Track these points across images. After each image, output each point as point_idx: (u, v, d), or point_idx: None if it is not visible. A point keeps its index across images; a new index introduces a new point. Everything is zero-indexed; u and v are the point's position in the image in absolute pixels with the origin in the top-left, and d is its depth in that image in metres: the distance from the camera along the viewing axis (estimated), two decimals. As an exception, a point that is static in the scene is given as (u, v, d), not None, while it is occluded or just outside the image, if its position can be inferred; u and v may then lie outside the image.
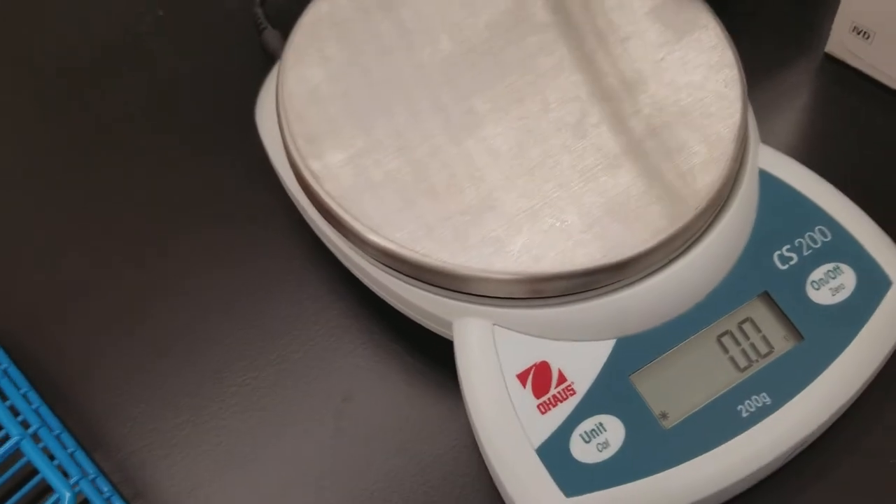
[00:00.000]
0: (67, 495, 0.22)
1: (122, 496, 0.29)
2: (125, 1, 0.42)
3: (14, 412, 0.28)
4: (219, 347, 0.32)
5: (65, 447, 0.28)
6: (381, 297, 0.30)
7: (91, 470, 0.28)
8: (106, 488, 0.28)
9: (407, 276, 0.29)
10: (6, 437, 0.26)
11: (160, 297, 0.34)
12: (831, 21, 0.37)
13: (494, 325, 0.28)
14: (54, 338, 0.33)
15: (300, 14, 0.33)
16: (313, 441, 0.30)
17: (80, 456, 0.29)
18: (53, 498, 0.22)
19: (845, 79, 0.37)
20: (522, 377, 0.27)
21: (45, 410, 0.30)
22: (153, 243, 0.35)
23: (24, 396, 0.29)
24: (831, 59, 0.38)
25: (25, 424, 0.27)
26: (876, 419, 0.30)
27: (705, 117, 0.29)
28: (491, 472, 0.27)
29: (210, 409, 0.31)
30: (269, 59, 0.38)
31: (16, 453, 0.27)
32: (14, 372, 0.30)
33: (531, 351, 0.27)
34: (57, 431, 0.29)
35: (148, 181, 0.37)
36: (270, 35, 0.38)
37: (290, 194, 0.32)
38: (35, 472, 0.29)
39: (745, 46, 0.37)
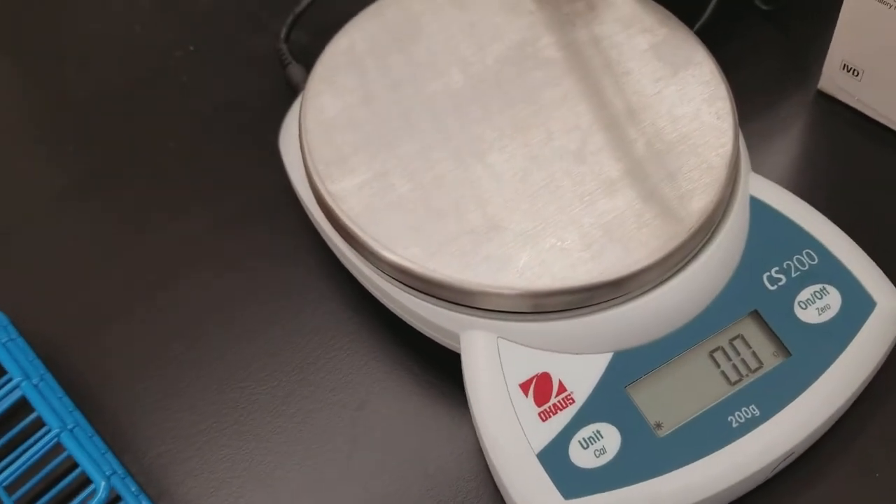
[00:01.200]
0: (102, 483, 0.24)
1: (147, 496, 0.31)
2: (159, 36, 0.45)
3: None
4: (242, 358, 0.34)
5: (97, 447, 0.30)
6: (394, 311, 0.32)
7: (120, 470, 0.30)
8: (133, 487, 0.30)
9: (418, 291, 0.31)
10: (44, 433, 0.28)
11: (188, 311, 0.36)
12: (824, 59, 0.39)
13: (499, 337, 0.30)
14: (86, 348, 0.35)
15: (322, 50, 0.36)
16: (329, 446, 0.32)
17: (110, 457, 0.31)
18: (89, 490, 0.24)
19: (837, 114, 0.39)
20: (525, 387, 0.29)
21: (77, 414, 0.32)
22: (182, 259, 0.37)
23: (60, 400, 0.31)
24: (824, 96, 0.40)
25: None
26: (862, 434, 0.31)
27: (698, 146, 0.31)
28: (494, 476, 0.29)
29: (231, 416, 0.33)
30: (292, 91, 0.41)
31: (51, 452, 0.29)
32: (49, 379, 0.32)
33: (533, 362, 0.29)
34: (89, 433, 0.31)
35: (179, 203, 0.39)
36: (294, 69, 0.41)
37: (310, 215, 0.34)
38: (63, 473, 0.31)
39: (742, 83, 0.39)
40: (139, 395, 0.34)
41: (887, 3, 0.35)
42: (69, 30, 0.46)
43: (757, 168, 0.37)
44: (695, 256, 0.30)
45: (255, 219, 0.38)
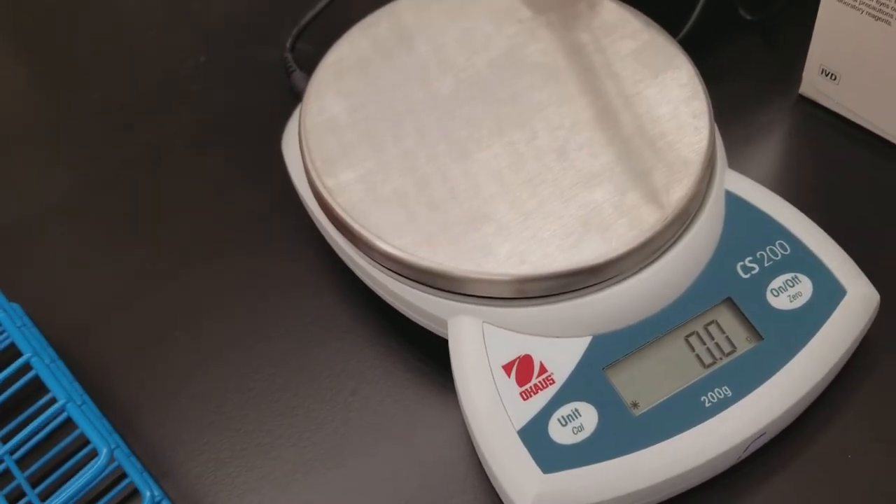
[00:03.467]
0: (105, 450, 0.25)
1: (151, 474, 0.32)
2: (170, 46, 0.48)
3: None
4: (241, 346, 0.36)
5: (104, 426, 0.32)
6: (386, 300, 0.34)
7: (125, 449, 0.32)
8: (138, 466, 0.31)
9: (408, 279, 0.32)
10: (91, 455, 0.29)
11: (191, 302, 0.38)
12: (804, 64, 0.40)
13: (484, 322, 0.31)
14: (95, 337, 0.37)
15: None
16: (323, 430, 0.34)
17: (116, 437, 0.32)
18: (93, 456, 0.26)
19: (817, 117, 0.40)
20: (507, 368, 0.31)
21: (86, 398, 0.34)
22: (188, 254, 0.39)
23: (70, 384, 0.33)
24: (805, 100, 0.41)
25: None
26: (834, 419, 0.32)
27: (675, 143, 0.33)
28: (478, 452, 0.30)
29: (232, 401, 0.35)
30: (296, 98, 0.43)
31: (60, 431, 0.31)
32: (60, 364, 0.34)
33: (516, 345, 0.31)
34: (97, 415, 0.33)
35: (189, 204, 0.41)
36: (298, 77, 0.43)
37: (308, 210, 0.36)
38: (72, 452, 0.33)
39: (727, 89, 0.41)
40: (144, 381, 0.36)
41: (859, 9, 0.36)
42: (84, 38, 0.49)
43: (740, 168, 0.38)
44: (671, 246, 0.32)
45: (258, 218, 0.40)
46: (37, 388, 0.34)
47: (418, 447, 0.33)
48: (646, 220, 0.31)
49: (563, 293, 0.31)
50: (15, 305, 0.36)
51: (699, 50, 0.38)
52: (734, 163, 0.39)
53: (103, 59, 0.47)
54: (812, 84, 0.40)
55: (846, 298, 0.31)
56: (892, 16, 0.35)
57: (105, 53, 0.48)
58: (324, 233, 0.36)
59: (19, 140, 0.45)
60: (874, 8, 0.36)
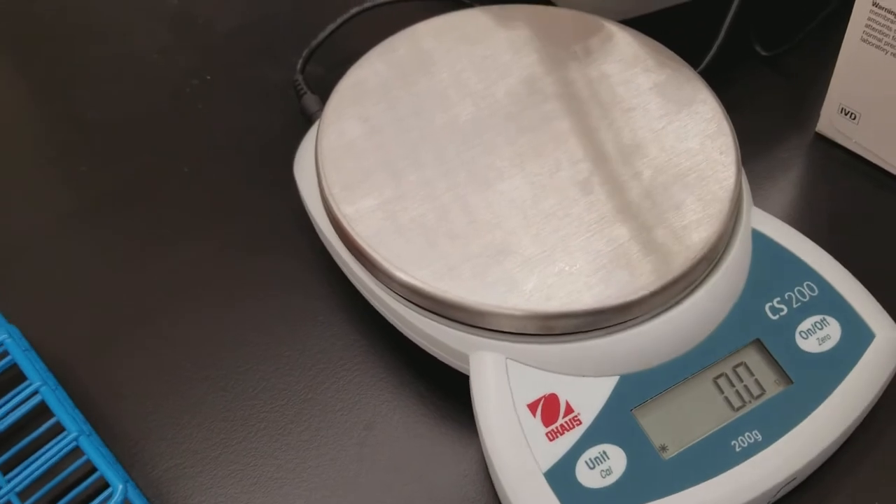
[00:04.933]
0: (120, 486, 0.24)
1: (154, 509, 0.31)
2: (177, 65, 0.46)
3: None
4: (252, 376, 0.35)
5: (109, 457, 0.30)
6: (404, 332, 0.33)
7: (130, 481, 0.30)
8: (142, 501, 0.30)
9: (429, 311, 0.31)
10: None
11: (199, 329, 0.36)
12: (822, 103, 0.40)
13: (508, 358, 0.30)
14: (96, 365, 0.36)
15: (335, 82, 0.37)
16: (336, 465, 0.33)
17: (119, 468, 0.31)
18: (106, 493, 0.24)
19: (834, 156, 0.40)
20: (532, 407, 0.30)
21: (88, 427, 0.32)
22: (194, 280, 0.38)
23: (71, 412, 0.31)
24: (822, 138, 0.41)
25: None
26: (862, 463, 0.31)
27: (702, 179, 0.32)
28: (500, 495, 0.29)
29: (241, 433, 0.34)
30: (306, 120, 0.42)
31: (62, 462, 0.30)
32: (61, 392, 0.33)
33: (541, 383, 0.30)
34: (99, 445, 0.31)
35: (191, 225, 0.40)
36: (309, 99, 0.42)
37: (322, 238, 0.35)
38: (76, 481, 0.31)
39: (744, 125, 0.41)
40: (149, 412, 0.34)
41: (883, 50, 0.36)
42: (92, 56, 0.47)
43: (759, 205, 0.38)
44: (699, 285, 0.31)
45: (266, 242, 0.39)
46: (37, 413, 0.33)
47: (434, 484, 0.32)
48: (674, 258, 0.30)
49: (591, 331, 0.30)
50: (13, 328, 0.34)
51: (714, 84, 0.38)
52: (754, 199, 0.39)
53: (110, 78, 0.46)
54: (830, 123, 0.40)
55: (875, 342, 0.31)
56: (915, 57, 0.35)
57: (112, 72, 0.46)
58: (338, 260, 0.35)
59: (24, 158, 0.43)
60: (898, 49, 0.36)
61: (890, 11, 0.35)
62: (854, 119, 0.39)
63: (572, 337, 0.30)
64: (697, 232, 0.31)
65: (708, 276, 0.31)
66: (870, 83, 0.37)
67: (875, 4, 0.35)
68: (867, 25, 0.36)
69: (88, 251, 0.40)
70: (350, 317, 0.36)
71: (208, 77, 0.46)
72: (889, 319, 0.32)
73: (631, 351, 0.30)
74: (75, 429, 0.26)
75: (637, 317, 0.30)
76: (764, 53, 0.44)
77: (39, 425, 0.32)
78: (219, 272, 0.38)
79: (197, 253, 0.39)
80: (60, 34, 0.49)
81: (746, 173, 0.40)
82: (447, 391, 0.34)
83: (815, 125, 0.41)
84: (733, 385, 0.30)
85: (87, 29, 0.49)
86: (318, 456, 0.33)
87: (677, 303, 0.31)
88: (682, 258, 0.31)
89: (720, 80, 0.42)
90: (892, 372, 0.31)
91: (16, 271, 0.39)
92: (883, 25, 0.36)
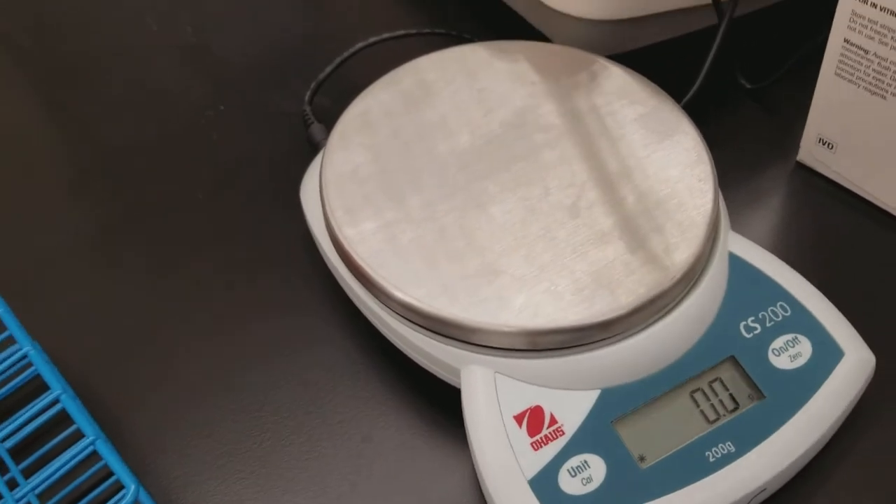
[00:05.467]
0: (132, 487, 0.26)
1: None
2: (192, 96, 0.49)
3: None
4: (257, 390, 0.37)
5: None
6: (400, 348, 0.35)
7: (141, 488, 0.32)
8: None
9: (424, 328, 0.33)
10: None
11: (211, 345, 0.39)
12: (802, 133, 0.42)
13: (496, 372, 0.32)
14: (110, 378, 0.38)
15: (340, 112, 0.39)
16: (334, 475, 0.34)
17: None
18: (119, 495, 0.26)
19: (814, 184, 0.42)
20: (519, 418, 0.31)
21: (103, 435, 0.34)
22: (205, 297, 0.40)
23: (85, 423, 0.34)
24: (802, 167, 0.43)
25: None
26: (831, 476, 0.33)
27: (682, 204, 0.34)
28: (488, 501, 0.31)
29: (246, 444, 0.36)
30: (312, 149, 0.44)
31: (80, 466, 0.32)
32: (78, 402, 0.35)
33: (527, 396, 0.32)
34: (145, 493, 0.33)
35: (208, 245, 0.42)
36: (316, 128, 0.44)
37: (326, 259, 0.37)
38: (90, 487, 0.33)
39: (728, 154, 0.43)
40: (159, 423, 0.36)
41: (856, 84, 0.38)
42: (114, 87, 0.50)
43: (740, 229, 0.40)
44: (677, 304, 0.33)
45: (273, 262, 0.41)
46: (56, 423, 0.35)
47: (429, 495, 0.34)
48: (654, 279, 0.32)
49: (574, 346, 0.32)
50: (35, 342, 0.36)
51: (701, 116, 0.40)
52: (735, 225, 0.41)
53: (127, 107, 0.49)
54: (810, 152, 0.42)
55: (844, 360, 0.33)
56: (887, 91, 0.37)
57: (132, 102, 0.49)
58: (340, 280, 0.37)
59: (42, 182, 0.46)
60: (870, 83, 0.38)
61: (860, 48, 0.37)
62: (831, 149, 0.41)
63: (557, 352, 0.32)
64: (676, 254, 0.33)
65: (686, 295, 0.33)
66: (845, 115, 0.39)
67: (846, 41, 0.38)
68: (840, 61, 0.38)
69: (106, 270, 0.42)
70: (350, 334, 0.38)
71: (222, 107, 0.49)
72: (859, 339, 0.33)
73: (612, 366, 0.32)
74: (93, 433, 0.28)
75: (618, 334, 0.32)
76: (748, 86, 0.46)
77: (58, 434, 0.34)
78: (229, 290, 0.40)
79: (208, 272, 0.41)
80: (84, 68, 0.51)
81: (729, 200, 0.42)
82: (440, 405, 0.36)
83: (797, 154, 0.43)
84: (709, 399, 0.32)
85: (109, 62, 0.52)
86: (317, 466, 0.35)
87: (656, 321, 0.33)
88: (661, 279, 0.33)
89: (707, 111, 0.45)
90: (861, 389, 0.33)
91: (37, 288, 0.41)
92: (854, 61, 0.38)
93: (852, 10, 0.37)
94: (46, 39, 0.54)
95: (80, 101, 0.50)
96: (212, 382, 0.37)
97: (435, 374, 0.34)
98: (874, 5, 0.36)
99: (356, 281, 0.35)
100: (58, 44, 0.53)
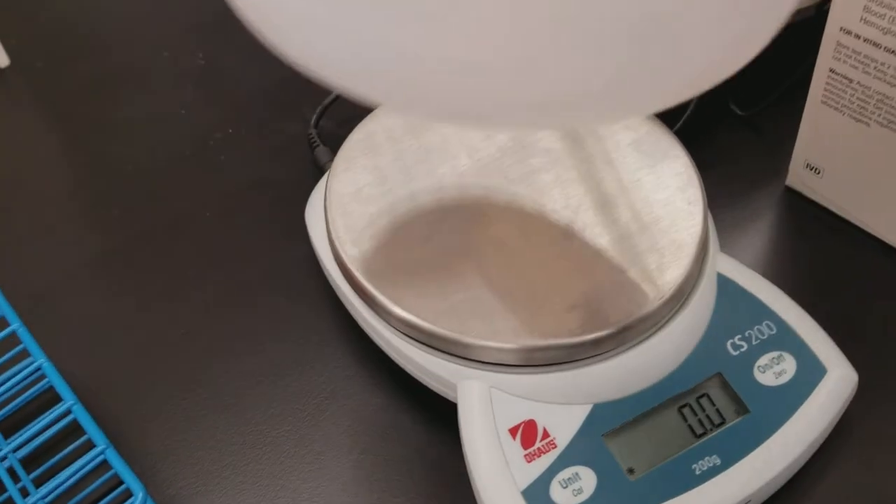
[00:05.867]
0: (140, 494, 0.27)
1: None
2: (201, 119, 0.51)
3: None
4: (261, 404, 0.38)
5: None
6: (400, 364, 0.36)
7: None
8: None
9: (423, 344, 0.35)
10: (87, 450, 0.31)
11: (215, 358, 0.40)
12: (791, 157, 0.44)
13: (491, 387, 0.33)
14: (118, 392, 0.39)
15: (345, 135, 0.41)
16: (335, 486, 0.36)
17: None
18: (128, 502, 0.28)
19: (802, 208, 0.44)
20: (513, 431, 0.33)
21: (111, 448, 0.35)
22: (211, 315, 0.42)
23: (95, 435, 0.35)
24: (791, 191, 0.44)
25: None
26: (814, 490, 0.34)
27: (672, 226, 0.36)
28: (483, 511, 0.32)
29: (249, 455, 0.37)
30: (318, 171, 0.46)
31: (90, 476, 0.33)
32: (89, 415, 0.36)
33: (521, 410, 0.33)
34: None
35: (215, 264, 0.44)
36: (322, 151, 0.46)
37: (329, 277, 0.39)
38: (100, 496, 0.34)
39: (719, 178, 0.44)
40: (166, 436, 0.38)
41: (841, 111, 0.40)
42: (126, 110, 0.52)
43: (730, 251, 0.41)
44: (667, 322, 0.34)
45: (278, 281, 0.43)
46: (66, 434, 0.36)
47: (424, 505, 0.35)
48: (644, 297, 0.34)
49: (567, 362, 0.33)
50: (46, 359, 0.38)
51: (694, 141, 0.41)
52: (725, 247, 0.42)
53: (141, 130, 0.51)
54: (798, 177, 0.44)
55: (827, 377, 0.34)
56: (871, 118, 0.39)
57: (143, 125, 0.51)
58: (342, 297, 0.38)
59: (54, 204, 0.48)
60: (855, 111, 0.39)
61: (845, 77, 0.39)
62: (818, 174, 0.42)
63: (550, 368, 0.33)
64: (666, 274, 0.34)
65: (675, 314, 0.35)
66: (831, 141, 0.41)
67: (832, 70, 0.39)
68: (825, 89, 0.40)
69: (117, 289, 0.43)
70: (352, 350, 0.40)
71: (230, 130, 0.50)
72: (842, 357, 0.35)
73: (603, 382, 0.33)
74: (103, 443, 0.29)
75: (609, 350, 0.34)
76: (740, 112, 0.48)
77: (69, 444, 0.35)
78: (235, 308, 0.42)
79: (214, 291, 0.43)
80: (96, 90, 0.53)
81: (720, 222, 0.43)
82: (438, 419, 0.37)
83: (786, 179, 0.44)
84: (696, 414, 0.33)
85: (121, 85, 0.53)
86: (318, 477, 0.36)
87: (647, 338, 0.34)
88: (651, 297, 0.34)
89: (700, 137, 0.46)
90: (843, 405, 0.34)
91: (50, 306, 0.43)
92: (839, 89, 0.39)
93: (837, 41, 0.38)
94: (59, 61, 0.55)
95: (92, 122, 0.51)
96: (217, 397, 0.39)
97: (433, 388, 0.36)
98: (858, 37, 0.37)
99: (358, 298, 0.36)
100: (70, 65, 0.55)
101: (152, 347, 0.41)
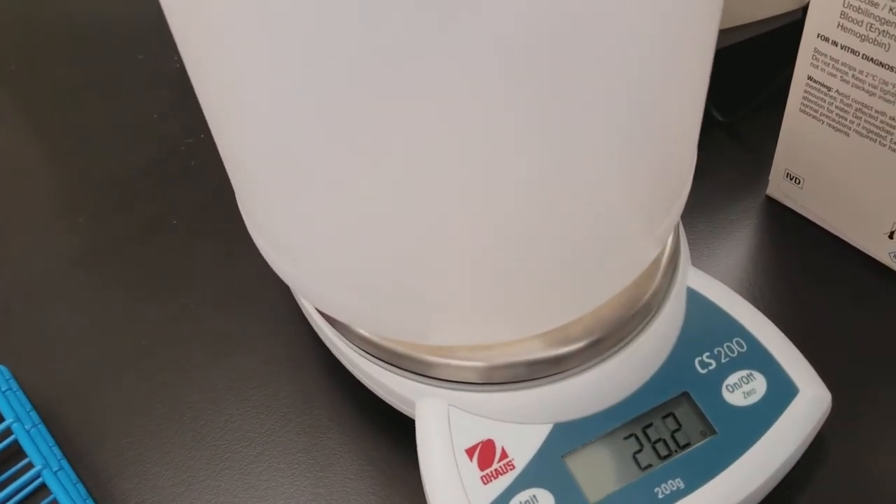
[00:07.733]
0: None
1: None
2: (173, 125, 0.50)
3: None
4: (218, 419, 0.37)
5: (79, 493, 0.33)
6: (361, 381, 0.35)
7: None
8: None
9: (383, 361, 0.34)
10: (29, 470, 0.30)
11: (173, 375, 0.39)
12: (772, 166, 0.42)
13: (450, 405, 0.32)
14: (80, 405, 0.38)
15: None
16: (293, 503, 0.35)
17: (89, 502, 0.33)
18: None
19: (783, 217, 0.42)
20: (470, 452, 0.32)
21: (65, 462, 0.35)
22: (173, 327, 0.41)
23: (50, 449, 0.34)
24: (772, 201, 0.43)
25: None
26: (787, 513, 0.33)
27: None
28: (438, 534, 0.31)
29: (206, 471, 0.36)
30: (288, 178, 0.45)
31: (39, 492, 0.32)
32: (42, 429, 0.35)
33: (479, 429, 0.32)
34: (73, 480, 0.34)
35: (176, 276, 0.43)
36: (291, 158, 0.45)
37: (294, 294, 0.38)
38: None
39: (699, 187, 0.43)
40: (123, 450, 0.37)
41: (820, 120, 0.38)
42: (95, 115, 0.51)
43: (705, 263, 0.40)
44: (632, 339, 0.33)
45: (242, 296, 0.42)
46: (17, 451, 0.35)
47: (383, 525, 0.34)
48: (608, 314, 0.33)
49: (527, 380, 0.32)
50: (2, 367, 0.37)
51: (670, 150, 0.40)
52: (700, 258, 0.41)
53: (112, 136, 0.50)
54: (778, 186, 0.42)
55: (798, 397, 0.33)
56: (850, 128, 0.37)
57: (114, 131, 0.50)
58: (305, 313, 0.37)
59: (29, 210, 0.47)
60: (834, 120, 0.38)
61: (823, 85, 0.37)
62: (798, 183, 0.41)
63: (509, 386, 0.32)
64: (632, 290, 0.33)
65: (641, 331, 0.33)
66: (810, 151, 0.40)
67: (810, 78, 0.38)
68: (804, 97, 0.38)
69: (85, 298, 0.43)
70: (312, 367, 0.39)
71: (202, 136, 0.49)
72: (815, 376, 0.33)
73: (564, 400, 0.32)
74: (40, 462, 0.28)
75: (570, 368, 0.32)
76: (721, 119, 0.46)
77: (11, 466, 0.34)
78: (199, 322, 0.41)
79: (179, 303, 0.42)
80: (70, 93, 0.52)
81: (698, 232, 0.42)
82: (399, 435, 0.36)
83: (766, 189, 0.43)
84: (660, 435, 0.32)
85: (94, 92, 0.53)
86: (276, 495, 0.35)
87: (610, 356, 0.33)
88: (615, 315, 0.33)
89: (678, 145, 0.45)
90: (816, 426, 0.33)
91: (13, 315, 0.42)
92: (818, 98, 0.38)
93: (815, 48, 0.37)
94: (34, 64, 0.55)
95: (64, 125, 0.51)
96: (173, 411, 0.38)
97: (393, 405, 0.35)
98: (835, 43, 0.36)
99: (320, 315, 0.35)
100: (45, 69, 0.54)
101: (112, 360, 0.40)
